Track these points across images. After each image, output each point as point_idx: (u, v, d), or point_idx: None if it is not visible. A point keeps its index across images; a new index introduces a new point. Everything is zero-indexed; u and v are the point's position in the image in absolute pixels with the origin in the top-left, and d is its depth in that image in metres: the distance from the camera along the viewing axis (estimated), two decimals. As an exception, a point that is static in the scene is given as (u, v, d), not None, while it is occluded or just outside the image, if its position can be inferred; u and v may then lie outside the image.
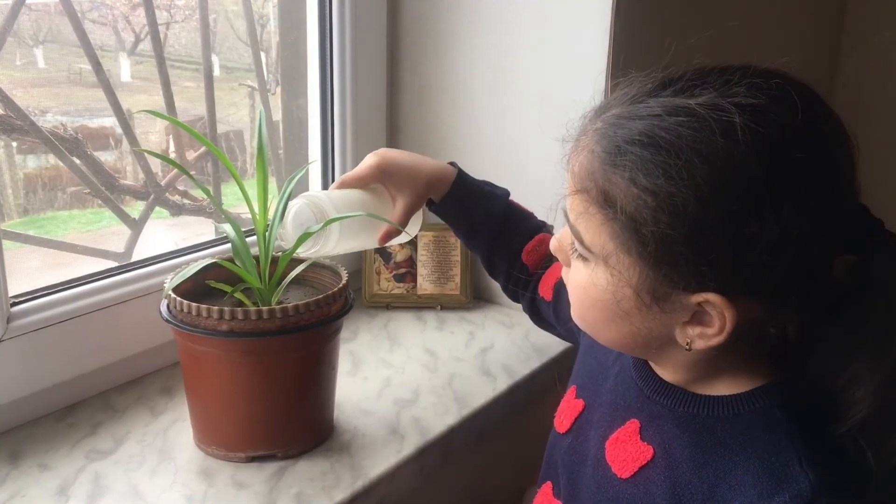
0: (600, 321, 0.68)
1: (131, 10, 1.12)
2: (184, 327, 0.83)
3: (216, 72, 1.23)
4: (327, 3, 1.25)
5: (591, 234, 0.64)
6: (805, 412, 0.64)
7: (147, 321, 1.01)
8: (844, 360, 0.62)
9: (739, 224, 0.57)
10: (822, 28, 1.95)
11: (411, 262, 1.32)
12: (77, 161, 1.05)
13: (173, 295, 0.85)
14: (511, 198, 1.01)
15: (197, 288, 0.91)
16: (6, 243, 1.01)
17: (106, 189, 1.09)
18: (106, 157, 1.11)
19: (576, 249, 0.67)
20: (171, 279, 0.87)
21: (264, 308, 0.82)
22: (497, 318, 1.30)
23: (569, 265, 0.71)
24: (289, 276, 0.91)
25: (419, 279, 1.32)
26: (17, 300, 0.93)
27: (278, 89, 1.33)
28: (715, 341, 0.62)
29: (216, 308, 0.81)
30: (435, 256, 1.32)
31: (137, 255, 1.11)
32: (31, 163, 1.07)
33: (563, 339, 1.00)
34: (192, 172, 1.17)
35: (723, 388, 0.67)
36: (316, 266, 0.96)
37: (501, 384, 1.08)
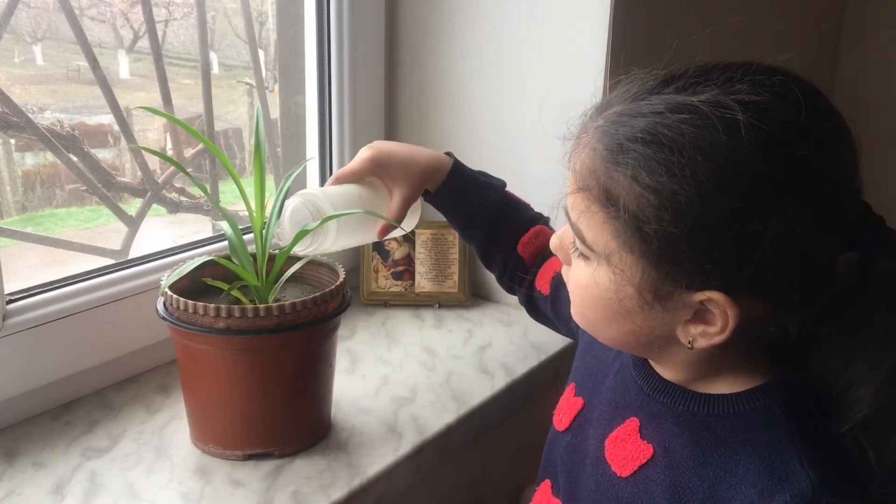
0: (602, 320, 0.67)
1: (130, 8, 1.12)
2: (180, 325, 0.83)
3: (214, 69, 1.23)
4: (325, 0, 1.25)
5: (592, 233, 0.64)
6: (806, 411, 0.64)
7: (144, 319, 1.01)
8: (845, 358, 0.62)
9: (743, 222, 0.57)
10: (822, 26, 1.95)
11: (409, 260, 1.32)
12: (75, 158, 1.05)
13: (170, 292, 0.84)
14: (507, 189, 1.01)
15: (194, 285, 0.91)
16: (3, 240, 1.00)
17: (103, 186, 1.09)
18: (104, 155, 1.11)
19: (577, 248, 0.67)
20: (168, 276, 0.87)
21: (261, 306, 0.82)
22: (495, 315, 1.30)
23: (569, 264, 0.70)
24: (286, 273, 0.90)
25: (417, 277, 1.32)
26: (13, 297, 0.93)
27: (276, 86, 1.32)
28: (717, 340, 0.61)
29: (213, 306, 0.81)
30: (433, 254, 1.32)
31: (134, 253, 1.11)
32: (29, 160, 1.07)
33: (560, 333, 1.00)
34: (190, 170, 1.17)
35: (723, 386, 0.67)
36: (313, 263, 0.96)
37: (500, 382, 1.08)
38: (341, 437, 0.94)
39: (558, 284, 0.93)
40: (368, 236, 0.95)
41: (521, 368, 1.12)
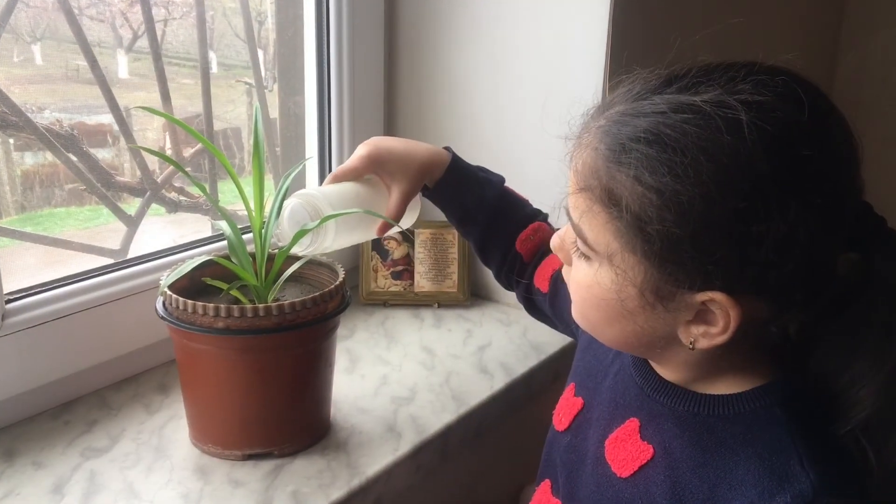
0: (603, 320, 0.67)
1: (129, 7, 1.12)
2: (180, 325, 0.83)
3: (213, 69, 1.23)
4: (325, 0, 1.25)
5: (594, 233, 0.63)
6: (806, 411, 0.64)
7: (143, 318, 1.01)
8: (846, 358, 0.62)
9: (746, 222, 0.56)
10: (821, 26, 1.95)
11: (409, 260, 1.32)
12: (74, 158, 1.05)
13: (169, 292, 0.84)
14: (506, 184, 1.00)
15: (193, 285, 0.90)
16: (2, 240, 1.00)
17: (102, 186, 1.09)
18: (103, 154, 1.11)
19: (578, 248, 0.66)
20: (167, 276, 0.87)
21: (260, 305, 0.82)
22: (495, 315, 1.30)
23: (570, 264, 0.70)
24: (285, 273, 0.90)
25: (416, 276, 1.32)
26: (12, 297, 0.93)
27: (275, 86, 1.32)
28: (719, 340, 0.61)
29: (212, 305, 0.81)
30: (432, 254, 1.32)
31: (134, 252, 1.11)
32: (28, 159, 1.07)
33: (559, 331, 0.99)
34: (189, 169, 1.16)
35: (723, 387, 0.67)
36: (312, 263, 0.96)
37: (499, 382, 1.08)
38: (341, 437, 0.94)
39: (557, 282, 0.93)
40: (368, 234, 0.95)
41: (520, 368, 1.12)
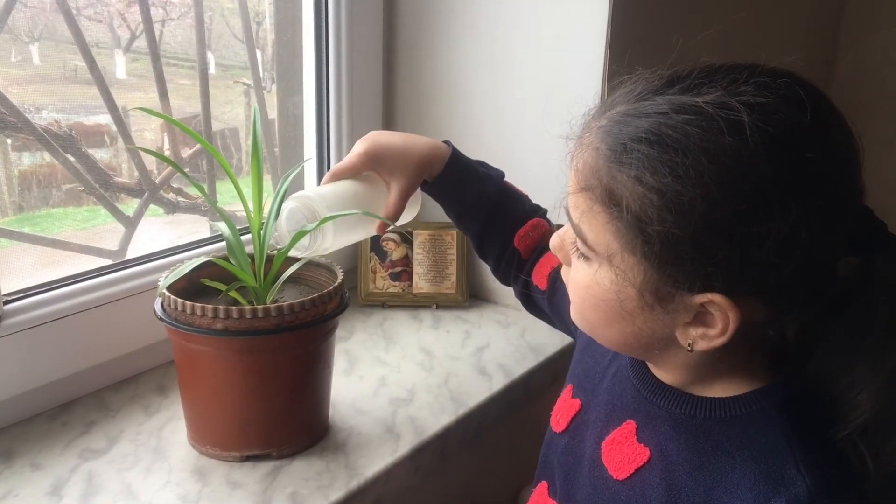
0: (602, 321, 0.67)
1: (127, 8, 1.12)
2: (178, 326, 0.83)
3: (212, 69, 1.22)
4: (323, 1, 1.25)
5: (594, 233, 0.63)
6: (804, 415, 0.63)
7: (141, 319, 1.01)
8: (846, 362, 0.62)
9: (747, 224, 0.56)
10: (821, 26, 1.95)
11: (407, 261, 1.32)
12: (71, 158, 1.05)
13: (167, 293, 0.84)
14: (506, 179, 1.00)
15: (191, 286, 0.90)
16: (0, 241, 1.00)
17: (100, 186, 1.09)
18: (101, 155, 1.11)
19: (578, 248, 0.66)
20: (166, 277, 0.87)
21: (259, 307, 0.82)
22: (493, 316, 1.30)
23: (569, 264, 0.70)
24: (284, 274, 0.90)
25: (415, 278, 1.32)
26: (10, 298, 0.93)
27: (274, 87, 1.32)
28: (717, 342, 0.61)
29: (211, 306, 0.81)
30: (431, 255, 1.31)
31: (132, 253, 1.11)
32: (26, 160, 1.07)
33: (556, 328, 0.99)
34: (187, 170, 1.16)
35: (720, 389, 0.67)
36: (311, 264, 0.96)
37: (497, 383, 1.08)
38: (339, 438, 0.94)
39: (555, 280, 0.92)
40: (368, 232, 0.94)
41: (519, 369, 1.12)
